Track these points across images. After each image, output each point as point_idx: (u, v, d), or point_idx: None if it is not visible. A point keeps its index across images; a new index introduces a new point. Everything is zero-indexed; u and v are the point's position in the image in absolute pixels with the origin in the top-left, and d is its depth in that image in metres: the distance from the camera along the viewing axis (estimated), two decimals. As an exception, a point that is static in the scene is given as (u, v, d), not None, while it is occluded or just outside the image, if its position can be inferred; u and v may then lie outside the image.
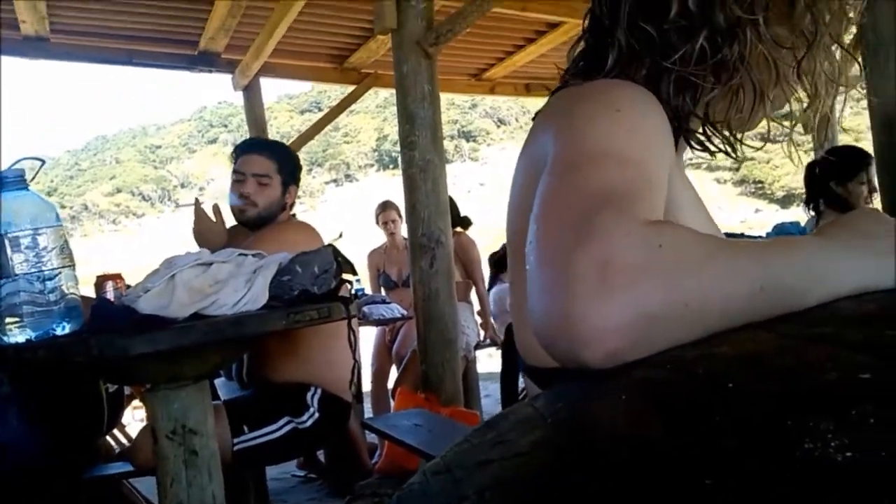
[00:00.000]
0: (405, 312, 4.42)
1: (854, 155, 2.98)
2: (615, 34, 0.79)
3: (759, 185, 47.50)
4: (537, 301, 0.51)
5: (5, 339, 1.61)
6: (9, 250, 1.59)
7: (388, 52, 4.49)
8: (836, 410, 0.31)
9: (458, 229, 4.74)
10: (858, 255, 0.56)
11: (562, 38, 5.64)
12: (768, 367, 0.39)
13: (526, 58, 6.06)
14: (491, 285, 5.54)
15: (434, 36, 3.62)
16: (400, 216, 4.83)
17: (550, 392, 0.47)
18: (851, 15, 0.76)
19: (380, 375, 4.76)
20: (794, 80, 0.76)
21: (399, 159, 3.91)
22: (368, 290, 5.08)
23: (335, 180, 63.68)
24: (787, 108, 0.82)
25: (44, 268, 1.63)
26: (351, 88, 6.09)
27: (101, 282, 2.05)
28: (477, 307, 5.05)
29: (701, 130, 0.81)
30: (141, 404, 4.22)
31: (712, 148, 0.83)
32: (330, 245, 2.00)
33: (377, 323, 4.50)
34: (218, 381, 2.75)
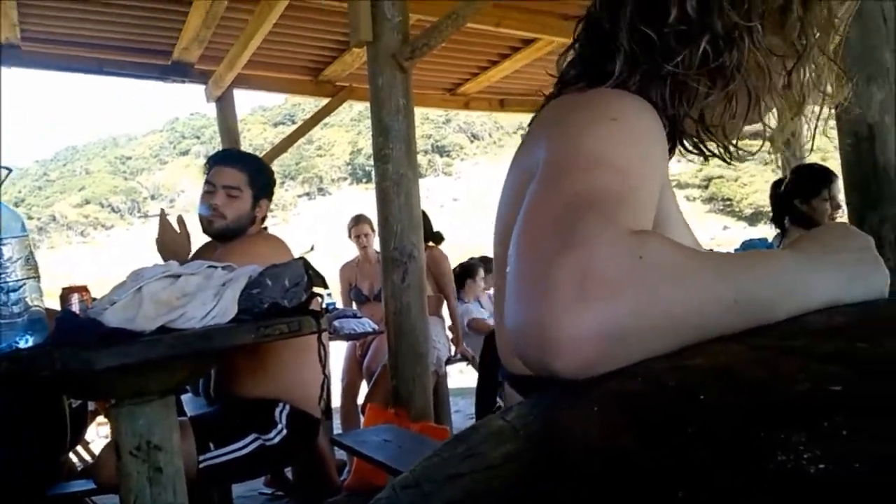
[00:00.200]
0: (376, 327, 4.39)
1: (817, 172, 3.04)
2: (618, 39, 0.79)
3: (728, 203, 48.24)
4: (514, 306, 0.50)
5: (-35, 351, 1.57)
6: (-29, 260, 1.56)
7: (363, 65, 4.49)
8: (808, 422, 0.31)
9: (431, 244, 4.74)
10: (829, 270, 0.57)
11: (536, 55, 5.70)
12: (740, 380, 0.39)
13: (500, 73, 6.11)
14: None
15: (409, 50, 3.63)
16: (373, 230, 4.82)
17: (522, 403, 0.47)
18: (839, 29, 0.78)
19: (350, 390, 4.72)
20: (783, 89, 0.77)
21: (372, 173, 3.90)
22: (340, 304, 5.05)
23: (308, 193, 63.49)
24: (758, 127, 0.83)
25: (7, 279, 1.60)
26: (325, 101, 6.08)
27: (66, 294, 2.01)
28: (448, 322, 5.04)
29: (696, 135, 0.82)
30: (105, 420, 4.15)
31: (707, 152, 0.84)
32: (301, 258, 1.98)
33: (348, 337, 4.48)
34: (185, 397, 2.71)
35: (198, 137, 72.30)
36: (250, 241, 2.52)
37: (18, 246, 1.62)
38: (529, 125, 0.84)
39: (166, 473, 1.67)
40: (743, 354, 0.45)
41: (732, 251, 3.27)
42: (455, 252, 6.21)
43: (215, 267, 1.82)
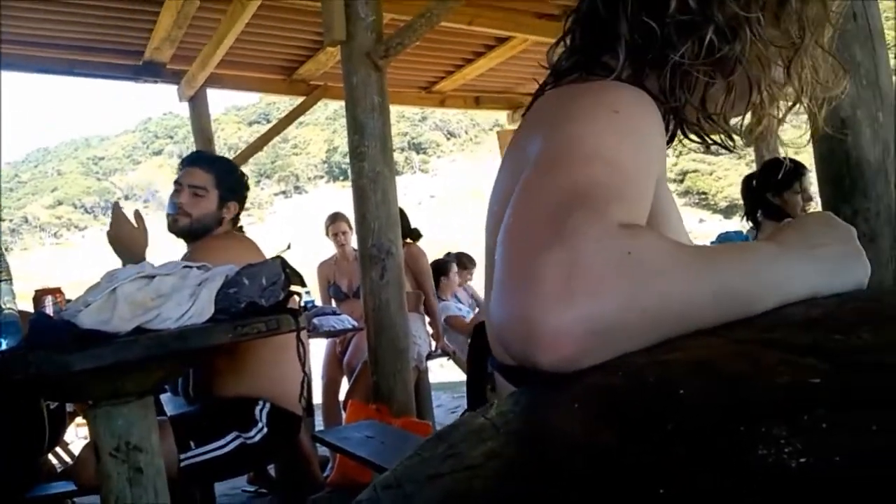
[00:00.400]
0: (356, 324, 4.39)
1: (788, 166, 3.07)
2: (618, 30, 0.78)
3: (703, 196, 48.58)
4: (500, 299, 0.50)
5: (-63, 356, 1.55)
6: (-59, 264, 1.54)
7: (337, 63, 4.47)
8: (789, 416, 0.31)
9: (408, 240, 4.73)
10: (811, 262, 0.57)
11: (510, 53, 5.71)
12: (720, 373, 0.39)
13: (475, 71, 6.11)
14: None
15: (383, 48, 3.63)
16: (350, 228, 4.80)
17: (503, 401, 0.46)
18: (833, 22, 0.78)
19: (331, 387, 4.71)
20: (781, 81, 0.78)
21: (349, 171, 3.89)
22: (319, 302, 5.03)
23: (284, 192, 63.08)
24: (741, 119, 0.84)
25: (-21, 282, 1.58)
26: (300, 100, 6.05)
27: (39, 296, 1.98)
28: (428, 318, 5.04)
29: (697, 123, 0.82)
30: (84, 421, 4.10)
31: (710, 142, 0.84)
32: (278, 257, 1.97)
33: (328, 335, 4.46)
34: (164, 397, 2.69)
35: (171, 137, 71.57)
36: (215, 239, 2.54)
37: (-10, 249, 1.60)
38: (524, 115, 0.82)
39: (146, 474, 1.66)
40: (722, 348, 0.45)
41: (709, 244, 3.31)
42: (433, 248, 6.21)
43: (191, 267, 1.81)
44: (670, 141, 0.86)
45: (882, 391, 0.33)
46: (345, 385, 4.59)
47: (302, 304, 2.64)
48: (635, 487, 0.29)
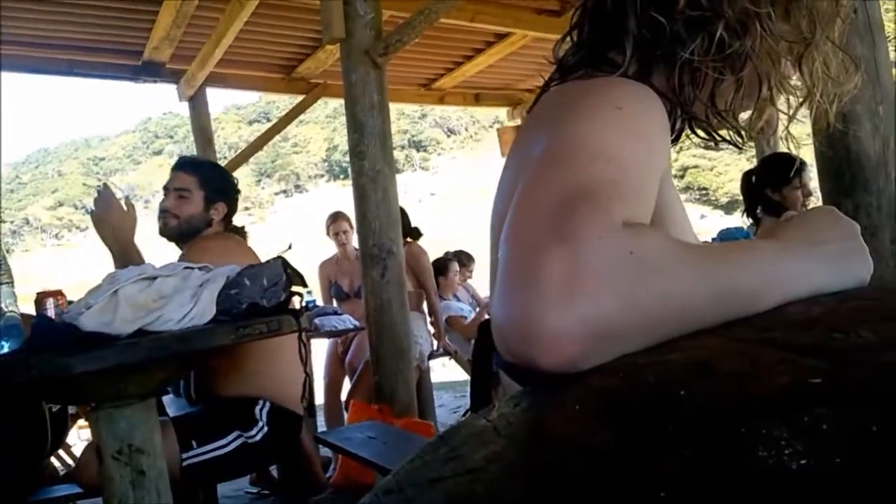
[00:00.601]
0: (357, 323, 4.39)
1: (787, 161, 3.06)
2: (626, 26, 0.78)
3: (704, 192, 48.53)
4: (501, 299, 0.50)
5: (-61, 359, 1.55)
6: (-58, 268, 1.54)
7: (336, 61, 4.47)
8: (789, 417, 0.31)
9: (409, 239, 4.73)
10: (815, 261, 0.57)
11: (510, 49, 5.71)
12: (720, 374, 0.39)
13: (475, 68, 6.10)
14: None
15: (383, 46, 3.62)
16: (351, 227, 4.80)
17: (504, 402, 0.46)
18: (843, 16, 0.78)
19: (333, 387, 4.71)
20: (791, 76, 0.77)
21: (349, 169, 3.89)
22: (320, 302, 5.03)
23: (285, 191, 63.04)
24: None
25: (-20, 285, 1.58)
26: (300, 98, 6.05)
27: (41, 299, 1.98)
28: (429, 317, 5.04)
29: (706, 120, 0.81)
30: (87, 423, 4.10)
31: (719, 138, 0.83)
32: (279, 257, 1.97)
33: (329, 335, 4.46)
34: (166, 399, 2.69)
35: (171, 137, 71.57)
36: (205, 240, 2.57)
37: (-9, 252, 1.60)
38: (529, 111, 0.82)
39: (149, 476, 1.66)
40: (722, 348, 0.44)
41: (710, 240, 3.31)
42: (434, 247, 6.21)
43: (192, 268, 1.81)
44: (677, 138, 0.85)
45: (882, 391, 0.33)
46: (347, 385, 4.59)
47: (303, 304, 2.65)
48: (635, 489, 0.29)
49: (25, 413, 2.41)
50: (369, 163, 3.67)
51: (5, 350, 1.60)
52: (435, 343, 4.95)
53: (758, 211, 3.14)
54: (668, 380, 0.41)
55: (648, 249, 0.49)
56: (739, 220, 3.44)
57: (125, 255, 2.27)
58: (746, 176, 3.21)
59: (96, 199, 2.36)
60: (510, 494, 0.32)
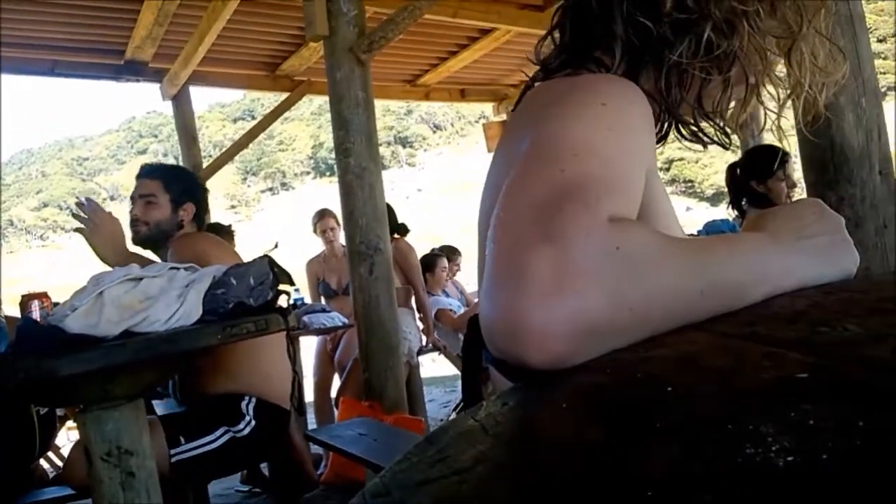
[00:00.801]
0: (346, 321, 4.38)
1: (770, 153, 3.08)
2: (613, 29, 0.78)
3: (690, 184, 48.75)
4: (488, 296, 0.50)
5: (-77, 364, 1.53)
6: (-76, 272, 1.52)
7: (321, 58, 4.45)
8: (776, 413, 0.31)
9: (396, 236, 4.73)
10: (802, 254, 0.58)
11: (494, 44, 5.70)
12: (707, 369, 0.39)
13: (460, 63, 6.10)
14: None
15: (366, 43, 3.61)
16: (338, 224, 4.79)
17: (492, 401, 0.46)
18: (827, 6, 0.78)
19: (322, 385, 4.71)
20: (778, 70, 0.77)
21: (335, 166, 3.89)
22: (308, 300, 5.02)
23: (271, 189, 62.80)
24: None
25: (-36, 289, 1.57)
26: (284, 96, 6.02)
27: (26, 301, 1.97)
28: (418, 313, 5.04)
29: (693, 121, 0.81)
30: (75, 425, 4.08)
31: (706, 140, 0.83)
32: (265, 256, 1.97)
33: (318, 332, 4.45)
34: (156, 402, 2.69)
35: (155, 136, 71.15)
36: (179, 240, 2.56)
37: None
38: (513, 109, 0.81)
39: (139, 477, 1.65)
40: (708, 343, 0.44)
41: (696, 232, 3.31)
42: (422, 243, 6.21)
43: (178, 268, 1.80)
44: (664, 139, 0.85)
45: (869, 385, 0.33)
46: (336, 382, 4.58)
47: (291, 302, 2.64)
48: (623, 489, 0.29)
49: (13, 416, 2.39)
50: (355, 160, 3.66)
51: (-10, 354, 1.59)
52: (424, 339, 4.95)
53: (743, 203, 3.16)
54: (655, 376, 0.41)
55: (635, 245, 0.49)
56: (725, 212, 3.46)
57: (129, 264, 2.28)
58: (731, 168, 3.23)
59: (84, 217, 2.38)
60: (497, 495, 0.32)
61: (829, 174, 1.95)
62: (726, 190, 3.26)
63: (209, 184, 5.97)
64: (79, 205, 2.42)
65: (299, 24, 4.64)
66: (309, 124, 64.39)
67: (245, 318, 1.77)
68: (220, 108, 71.77)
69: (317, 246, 5.16)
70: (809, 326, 0.44)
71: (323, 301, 4.95)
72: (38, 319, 1.81)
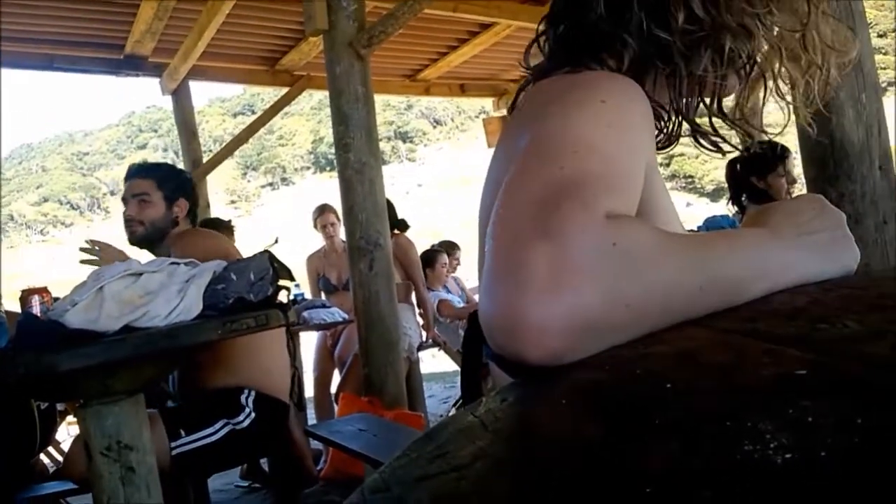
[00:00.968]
0: (346, 316, 4.38)
1: (771, 149, 3.08)
2: (624, 41, 0.77)
3: (690, 180, 48.67)
4: (487, 290, 0.50)
5: (-77, 359, 1.54)
6: (-76, 267, 1.53)
7: (320, 53, 4.45)
8: (775, 410, 0.31)
9: (396, 231, 4.72)
10: (802, 250, 0.58)
11: (494, 39, 5.70)
12: (706, 366, 0.39)
13: (460, 58, 6.09)
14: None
15: (366, 37, 3.61)
16: (338, 219, 4.78)
17: (491, 397, 0.46)
18: None
19: (322, 380, 4.71)
20: (793, 59, 0.77)
21: (335, 161, 3.88)
22: (308, 295, 5.02)
23: (271, 184, 62.71)
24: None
25: (-36, 284, 1.57)
26: (284, 90, 6.02)
27: (26, 296, 1.97)
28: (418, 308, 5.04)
29: (712, 131, 0.80)
30: (76, 420, 4.08)
31: (726, 148, 0.82)
32: (266, 251, 1.97)
33: (318, 327, 4.45)
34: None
35: (155, 131, 71.05)
36: (183, 237, 2.58)
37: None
38: (513, 106, 0.81)
39: (139, 472, 1.66)
40: (707, 339, 0.44)
41: (696, 228, 3.30)
42: (422, 238, 6.21)
43: (178, 264, 1.80)
44: (670, 144, 0.84)
45: (868, 382, 0.33)
46: (336, 378, 4.59)
47: (291, 297, 2.65)
48: (622, 486, 0.29)
49: (14, 411, 2.40)
50: (355, 155, 3.66)
51: (-9, 349, 1.59)
52: (424, 334, 4.95)
53: (743, 199, 3.15)
54: (653, 373, 0.41)
55: (632, 241, 0.49)
56: (725, 208, 3.45)
57: None
58: (731, 164, 3.22)
59: (96, 261, 2.49)
60: (496, 491, 0.32)
61: (829, 170, 1.95)
62: (726, 186, 3.26)
63: (209, 179, 5.99)
64: (87, 247, 2.54)
65: (299, 19, 4.63)
66: (309, 119, 64.26)
67: (245, 314, 1.77)
68: (219, 103, 71.63)
69: (317, 241, 5.16)
70: (809, 323, 0.44)
71: (323, 296, 4.95)
72: (39, 314, 1.81)
